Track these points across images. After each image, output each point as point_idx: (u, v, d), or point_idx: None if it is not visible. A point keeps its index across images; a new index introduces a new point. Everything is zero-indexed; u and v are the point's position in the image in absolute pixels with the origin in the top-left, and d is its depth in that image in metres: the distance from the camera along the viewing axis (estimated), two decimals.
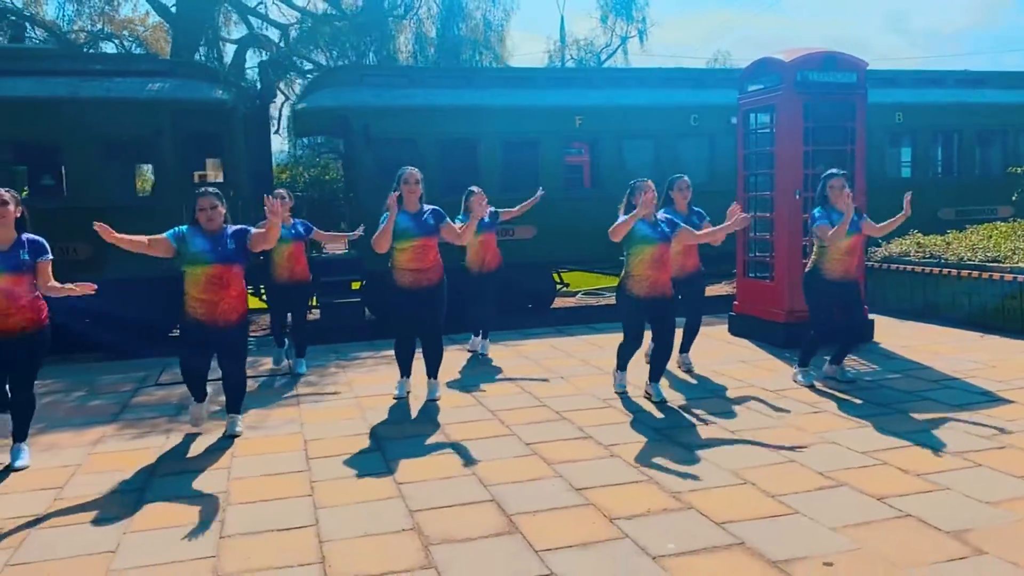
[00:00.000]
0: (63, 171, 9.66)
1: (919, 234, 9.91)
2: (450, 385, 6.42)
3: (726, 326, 8.58)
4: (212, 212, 4.82)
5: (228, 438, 5.13)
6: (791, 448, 4.58)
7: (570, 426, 5.20)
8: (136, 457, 4.84)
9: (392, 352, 6.17)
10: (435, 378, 6.02)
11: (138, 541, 3.58)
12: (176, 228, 4.87)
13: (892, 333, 8.08)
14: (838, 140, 7.78)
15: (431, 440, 5.02)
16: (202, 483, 4.33)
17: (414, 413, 5.70)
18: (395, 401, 5.97)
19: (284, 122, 14.38)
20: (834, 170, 6.16)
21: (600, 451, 4.67)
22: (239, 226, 5.01)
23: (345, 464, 4.58)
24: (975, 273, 8.39)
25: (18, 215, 4.43)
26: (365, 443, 4.99)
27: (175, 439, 5.20)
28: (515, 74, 12.75)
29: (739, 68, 12.94)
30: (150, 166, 10.06)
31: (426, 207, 5.85)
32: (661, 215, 5.86)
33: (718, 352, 7.48)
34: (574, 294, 14.83)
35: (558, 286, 12.42)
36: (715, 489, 3.99)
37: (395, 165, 10.57)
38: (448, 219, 5.86)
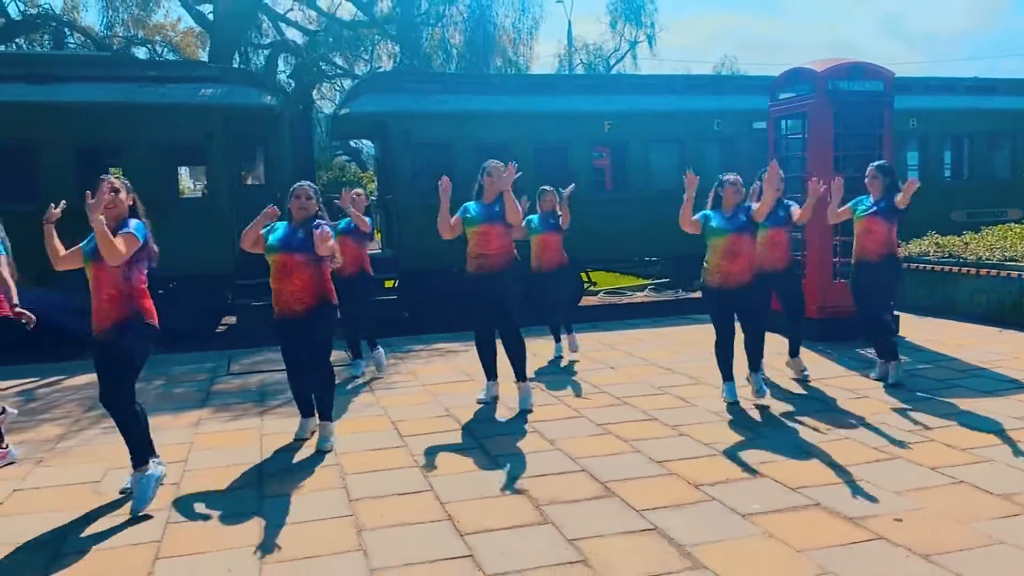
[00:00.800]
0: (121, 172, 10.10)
1: (936, 235, 10.37)
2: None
3: None
4: (306, 203, 4.85)
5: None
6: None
7: (633, 410, 5.65)
8: (238, 437, 5.29)
9: (447, 344, 6.47)
10: (523, 380, 5.82)
11: (278, 505, 4.02)
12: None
13: (915, 328, 8.52)
14: (865, 146, 8.25)
15: (509, 419, 5.46)
16: (314, 458, 4.77)
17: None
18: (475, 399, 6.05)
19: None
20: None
21: (668, 431, 5.12)
22: (324, 223, 5.10)
23: (438, 441, 5.02)
24: (993, 271, 8.85)
25: (130, 203, 4.18)
26: (450, 424, 5.43)
27: (270, 421, 5.64)
28: (545, 81, 13.22)
29: (752, 75, 13.42)
30: (202, 168, 10.44)
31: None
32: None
33: None
34: (596, 293, 15.27)
35: (587, 285, 12.87)
36: (784, 461, 4.44)
37: (432, 168, 11.12)
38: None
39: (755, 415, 5.45)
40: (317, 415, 5.05)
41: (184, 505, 4.06)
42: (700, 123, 12.10)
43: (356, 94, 11.20)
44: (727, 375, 5.86)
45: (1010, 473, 4.16)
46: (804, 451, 4.61)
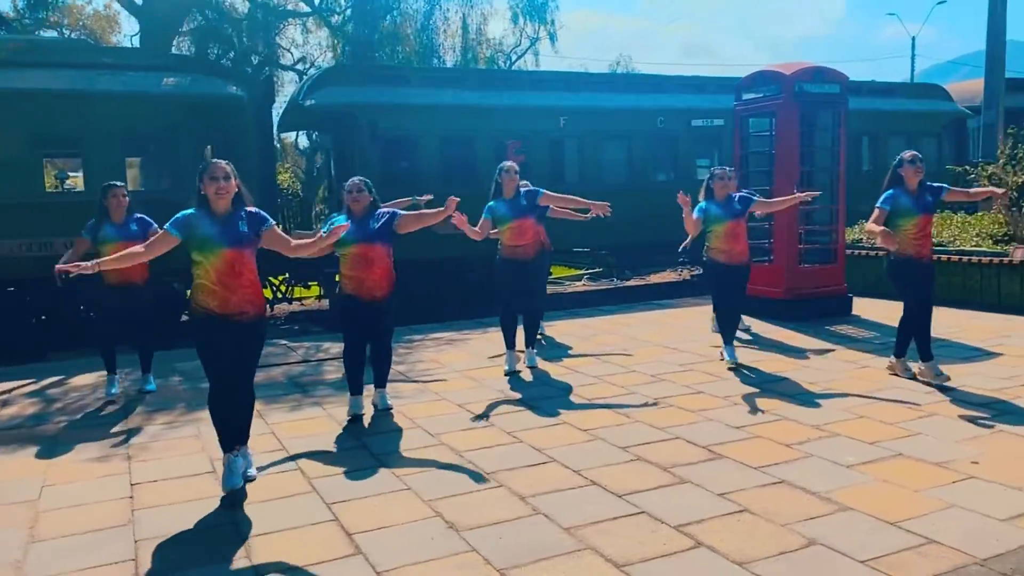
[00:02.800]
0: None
1: (864, 222, 11.46)
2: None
3: None
4: (359, 195, 5.23)
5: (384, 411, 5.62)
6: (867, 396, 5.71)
7: (675, 385, 6.12)
8: (316, 425, 5.38)
9: (448, 333, 6.85)
10: (533, 346, 6.90)
11: (417, 482, 4.22)
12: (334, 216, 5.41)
13: (863, 309, 9.46)
14: (825, 143, 9.10)
15: (567, 399, 5.81)
16: (414, 439, 4.97)
17: (527, 377, 6.46)
18: (503, 375, 6.61)
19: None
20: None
21: (721, 402, 5.62)
22: (387, 210, 5.45)
23: (524, 415, 5.31)
24: None
25: (236, 189, 4.14)
26: (513, 403, 5.73)
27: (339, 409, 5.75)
28: (508, 76, 13.58)
29: (689, 76, 14.27)
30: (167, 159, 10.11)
31: (522, 190, 6.54)
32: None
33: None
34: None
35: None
36: (842, 423, 5.03)
37: (398, 160, 11.24)
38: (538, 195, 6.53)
39: (786, 388, 6.04)
40: (374, 385, 5.62)
41: (326, 485, 4.18)
42: (646, 120, 12.79)
43: (320, 85, 11.11)
44: (730, 339, 6.75)
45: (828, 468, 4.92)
46: (854, 413, 5.23)
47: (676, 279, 16.13)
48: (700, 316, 9.08)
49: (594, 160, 12.47)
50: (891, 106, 15.22)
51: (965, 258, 9.54)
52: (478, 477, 4.26)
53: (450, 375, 6.72)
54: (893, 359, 6.27)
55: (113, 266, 4.06)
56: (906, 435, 4.74)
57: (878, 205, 5.92)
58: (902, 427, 4.89)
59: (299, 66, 17.80)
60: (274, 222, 4.28)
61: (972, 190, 6.59)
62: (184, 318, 10.64)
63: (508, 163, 6.69)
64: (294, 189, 18.45)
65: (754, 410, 5.36)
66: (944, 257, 9.62)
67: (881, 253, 10.58)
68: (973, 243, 10.01)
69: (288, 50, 17.81)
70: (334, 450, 4.86)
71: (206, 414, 5.52)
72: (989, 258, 9.26)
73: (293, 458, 4.70)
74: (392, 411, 5.62)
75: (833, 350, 7.22)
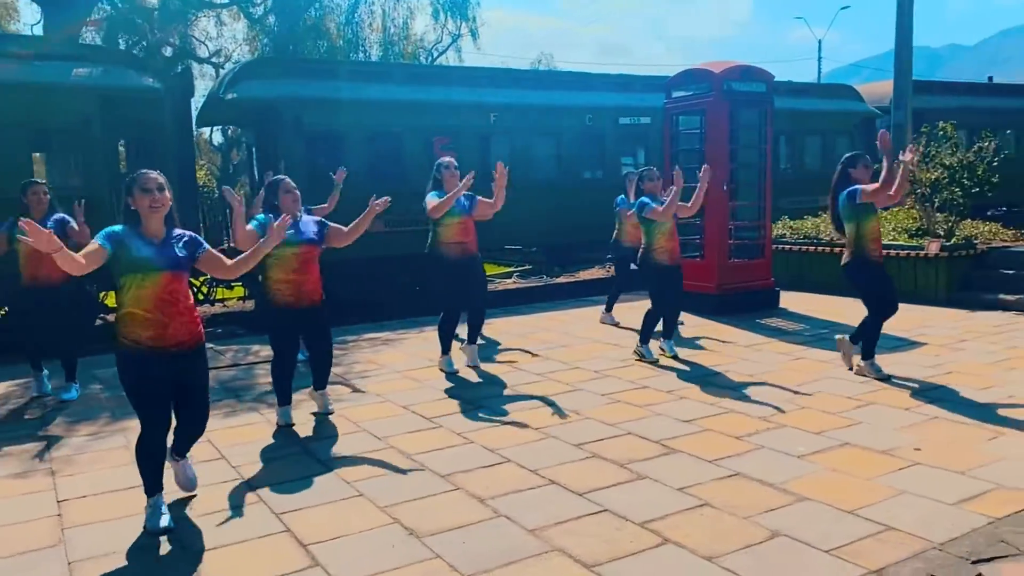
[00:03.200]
0: None
1: (787, 219, 11.81)
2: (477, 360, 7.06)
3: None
4: (297, 195, 5.07)
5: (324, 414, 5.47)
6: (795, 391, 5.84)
7: (620, 381, 6.13)
8: (254, 431, 5.15)
9: (383, 334, 6.72)
10: (474, 343, 6.81)
11: (370, 487, 4.07)
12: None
13: (789, 302, 9.72)
14: (752, 140, 9.31)
15: (514, 398, 5.74)
16: (360, 443, 4.80)
17: (470, 376, 6.36)
18: (442, 375, 6.54)
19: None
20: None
21: (667, 396, 5.65)
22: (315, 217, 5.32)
23: (471, 415, 5.21)
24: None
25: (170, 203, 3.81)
26: (459, 402, 5.62)
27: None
28: (436, 71, 13.41)
29: (614, 74, 14.40)
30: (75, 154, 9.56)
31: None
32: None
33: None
34: None
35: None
36: (786, 414, 5.12)
37: (324, 156, 10.94)
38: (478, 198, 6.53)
39: (732, 377, 6.13)
40: (315, 388, 5.48)
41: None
42: (575, 117, 12.84)
43: (242, 78, 10.69)
44: (649, 339, 6.79)
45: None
46: (797, 404, 5.33)
47: (604, 275, 16.26)
48: (633, 312, 9.14)
49: (524, 157, 12.42)
50: (807, 106, 15.73)
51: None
52: (429, 480, 4.14)
53: (390, 376, 6.56)
54: (862, 362, 6.10)
55: (60, 265, 3.39)
56: (848, 424, 4.86)
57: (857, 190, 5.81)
58: (844, 416, 5.01)
59: (214, 59, 17.17)
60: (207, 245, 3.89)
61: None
62: (99, 322, 10.10)
63: (448, 159, 6.57)
64: (209, 187, 17.82)
65: (701, 404, 5.41)
66: None
67: (804, 249, 10.94)
68: (890, 237, 10.40)
69: (203, 42, 17.14)
70: (277, 457, 4.65)
71: (134, 423, 5.24)
72: (905, 251, 9.65)
73: (235, 467, 4.47)
74: (333, 411, 5.46)
75: (768, 343, 7.38)
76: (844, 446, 4.47)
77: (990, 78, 23.22)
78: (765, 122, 9.29)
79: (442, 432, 5.00)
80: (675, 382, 6.04)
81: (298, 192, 5.08)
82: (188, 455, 4.09)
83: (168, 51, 15.72)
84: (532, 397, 5.75)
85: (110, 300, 9.77)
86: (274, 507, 3.86)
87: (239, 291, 11.81)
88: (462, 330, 6.98)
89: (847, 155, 6.11)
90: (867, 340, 6.09)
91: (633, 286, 8.67)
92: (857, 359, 6.16)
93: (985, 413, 4.97)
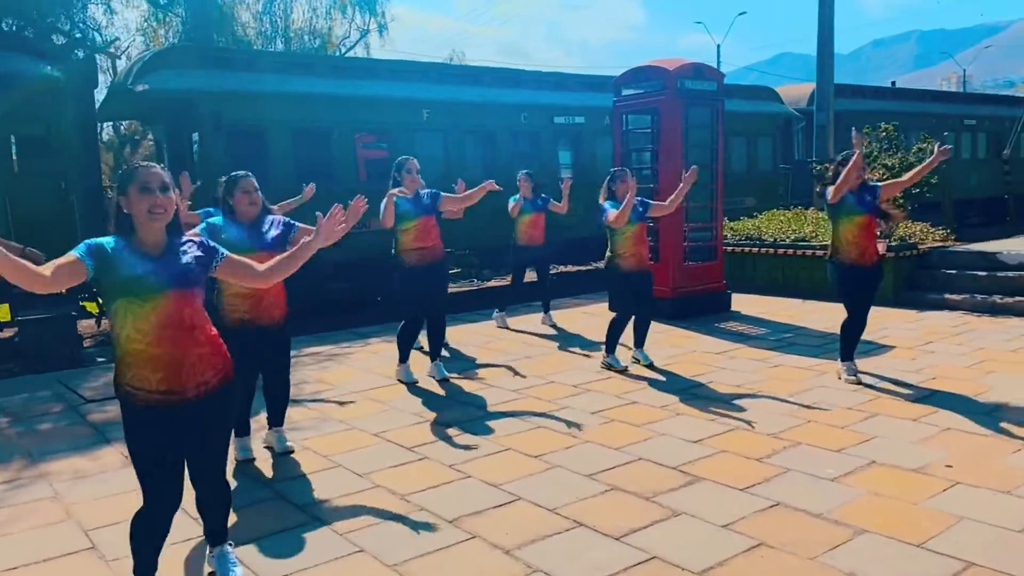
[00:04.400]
0: None
1: (726, 220, 11.71)
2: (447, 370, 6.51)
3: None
4: (256, 196, 4.41)
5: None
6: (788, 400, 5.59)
7: (605, 396, 5.71)
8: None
9: (325, 347, 6.36)
10: (439, 358, 6.40)
11: (369, 541, 3.48)
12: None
13: (740, 304, 9.56)
14: (704, 140, 9.09)
15: (497, 419, 5.23)
16: (340, 482, 4.19)
17: (440, 395, 5.81)
18: (404, 387, 6.02)
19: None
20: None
21: (661, 412, 5.27)
22: (279, 217, 4.68)
23: (457, 441, 4.67)
24: (790, 251, 10.25)
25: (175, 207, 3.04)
26: (437, 427, 5.07)
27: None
28: (365, 65, 12.67)
29: (550, 72, 14.05)
30: None
31: (422, 191, 6.02)
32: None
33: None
34: None
35: None
36: (794, 429, 4.82)
37: (246, 154, 10.09)
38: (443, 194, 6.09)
39: (717, 389, 5.82)
40: (269, 424, 4.79)
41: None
42: (511, 116, 12.40)
43: (153, 68, 9.69)
44: (614, 348, 6.50)
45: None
46: (803, 418, 5.05)
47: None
48: (584, 318, 8.79)
49: (459, 155, 11.89)
50: (731, 107, 15.79)
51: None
52: (437, 527, 3.59)
53: (350, 397, 5.92)
54: (839, 365, 5.99)
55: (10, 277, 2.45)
56: (864, 439, 4.59)
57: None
58: (855, 431, 4.75)
59: (111, 49, 15.82)
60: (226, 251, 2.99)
61: (908, 174, 6.25)
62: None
63: (411, 160, 6.05)
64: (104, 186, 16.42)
65: (701, 421, 5.05)
66: (810, 252, 9.96)
67: (746, 250, 10.85)
68: None
69: (95, 30, 15.74)
70: (247, 504, 3.97)
71: (56, 466, 4.50)
72: None
73: (196, 518, 3.78)
74: (293, 449, 4.76)
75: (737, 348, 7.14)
76: (872, 465, 4.19)
77: (893, 83, 24.25)
78: (716, 121, 9.09)
79: (430, 465, 4.44)
80: (662, 396, 5.67)
81: (260, 195, 4.41)
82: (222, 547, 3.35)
83: (59, 38, 14.30)
84: (516, 416, 5.26)
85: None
86: (263, 573, 3.23)
87: None
88: (421, 337, 6.51)
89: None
90: (841, 341, 5.99)
91: (522, 292, 8.94)
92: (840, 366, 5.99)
93: (993, 422, 4.81)
